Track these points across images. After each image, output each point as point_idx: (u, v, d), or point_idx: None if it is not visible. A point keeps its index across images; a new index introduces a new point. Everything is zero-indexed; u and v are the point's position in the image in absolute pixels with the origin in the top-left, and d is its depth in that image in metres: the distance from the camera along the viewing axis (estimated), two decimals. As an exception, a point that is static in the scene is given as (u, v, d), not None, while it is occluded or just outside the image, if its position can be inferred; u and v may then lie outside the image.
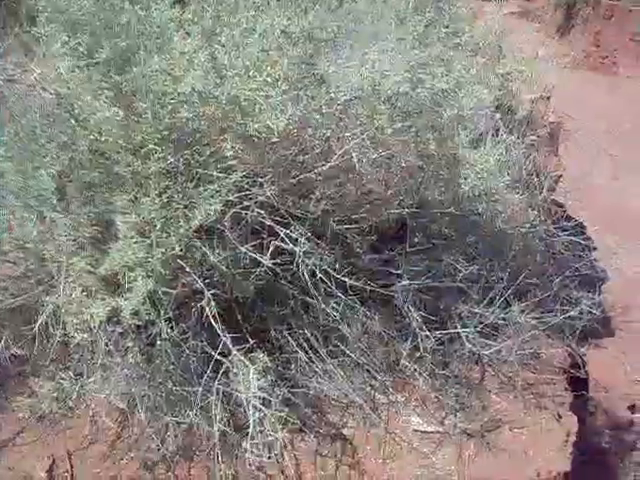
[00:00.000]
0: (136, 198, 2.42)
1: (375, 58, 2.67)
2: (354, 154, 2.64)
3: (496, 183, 3.12)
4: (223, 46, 2.53)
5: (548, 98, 5.39)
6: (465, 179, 3.11)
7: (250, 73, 2.45)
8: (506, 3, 10.11)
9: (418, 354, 3.01)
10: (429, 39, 3.24)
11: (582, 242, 4.13)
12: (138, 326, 2.57)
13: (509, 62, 4.69)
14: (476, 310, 3.09)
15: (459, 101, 2.93)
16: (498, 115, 4.13)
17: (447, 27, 3.67)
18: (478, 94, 3.08)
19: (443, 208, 3.18)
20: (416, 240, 3.14)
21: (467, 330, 3.05)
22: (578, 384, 3.41)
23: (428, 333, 2.96)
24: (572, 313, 3.14)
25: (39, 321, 2.67)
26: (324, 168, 2.67)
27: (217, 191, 2.38)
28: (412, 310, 2.97)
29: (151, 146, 2.38)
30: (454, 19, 4.09)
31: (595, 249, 4.57)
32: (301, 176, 2.68)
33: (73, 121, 2.51)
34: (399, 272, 3.00)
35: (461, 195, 3.19)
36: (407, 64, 2.66)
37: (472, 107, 3.07)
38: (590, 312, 3.25)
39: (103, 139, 2.43)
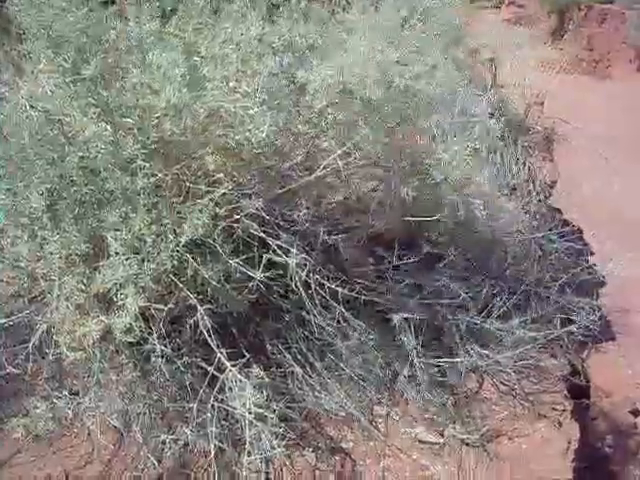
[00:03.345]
0: (126, 214, 2.40)
1: (348, 62, 2.64)
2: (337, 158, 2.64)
3: (469, 173, 3.05)
4: (203, 58, 2.51)
5: (542, 103, 5.40)
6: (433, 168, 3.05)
7: (230, 84, 2.44)
8: (499, 10, 10.18)
9: (416, 365, 2.98)
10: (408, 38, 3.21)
11: (579, 247, 4.11)
12: (132, 343, 2.55)
13: (502, 68, 4.70)
14: (474, 320, 3.07)
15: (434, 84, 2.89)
16: (493, 121, 4.13)
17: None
18: (454, 75, 3.05)
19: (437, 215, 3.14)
20: (413, 249, 3.12)
21: (465, 341, 3.03)
22: (580, 391, 3.38)
23: (425, 346, 2.94)
24: (571, 325, 3.12)
25: (32, 340, 2.65)
26: (311, 178, 2.66)
27: (205, 205, 2.36)
28: (409, 321, 2.95)
29: (139, 162, 2.36)
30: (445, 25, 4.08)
31: (592, 254, 4.55)
32: (287, 188, 2.66)
33: (62, 138, 2.50)
34: (396, 282, 2.98)
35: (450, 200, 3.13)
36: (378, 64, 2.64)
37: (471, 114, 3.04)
38: (589, 319, 3.23)
39: (92, 155, 2.41)
